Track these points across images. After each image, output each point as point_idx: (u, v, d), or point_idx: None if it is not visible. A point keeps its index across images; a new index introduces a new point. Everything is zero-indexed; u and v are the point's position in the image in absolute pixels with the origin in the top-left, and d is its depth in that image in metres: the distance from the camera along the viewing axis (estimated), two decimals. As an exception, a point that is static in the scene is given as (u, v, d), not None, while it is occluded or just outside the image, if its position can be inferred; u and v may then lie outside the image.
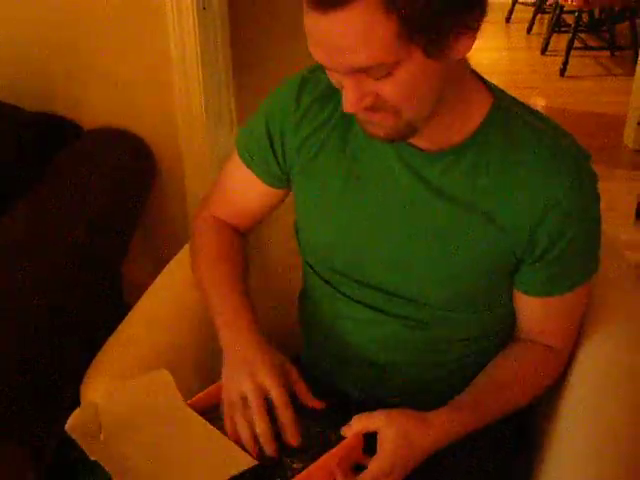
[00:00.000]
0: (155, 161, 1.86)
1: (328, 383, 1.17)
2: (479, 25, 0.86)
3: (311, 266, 1.18)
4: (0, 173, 1.53)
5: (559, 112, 3.70)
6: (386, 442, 0.96)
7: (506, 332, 1.13)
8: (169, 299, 1.26)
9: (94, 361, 1.17)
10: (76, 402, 1.15)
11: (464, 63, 0.95)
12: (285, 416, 0.98)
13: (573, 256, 1.00)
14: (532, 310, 1.06)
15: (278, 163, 1.13)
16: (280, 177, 1.15)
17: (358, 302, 1.11)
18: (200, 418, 1.02)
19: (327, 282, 1.14)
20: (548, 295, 1.03)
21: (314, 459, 0.96)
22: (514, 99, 1.04)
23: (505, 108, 1.00)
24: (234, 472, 0.94)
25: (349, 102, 0.88)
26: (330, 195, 1.07)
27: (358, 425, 0.99)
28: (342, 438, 0.99)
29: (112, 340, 1.20)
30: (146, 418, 1.02)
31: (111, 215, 1.60)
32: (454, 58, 0.88)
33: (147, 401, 1.04)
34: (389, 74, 0.85)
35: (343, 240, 1.09)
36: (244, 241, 1.25)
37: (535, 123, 0.99)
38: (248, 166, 1.17)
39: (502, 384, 1.06)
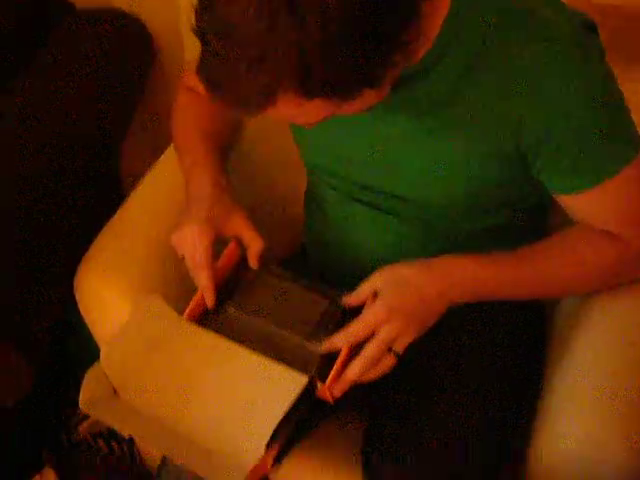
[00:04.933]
0: (154, 45, 1.74)
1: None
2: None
3: (312, 169, 1.12)
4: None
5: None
6: (382, 289, 0.91)
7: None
8: (165, 189, 1.19)
9: (87, 253, 1.12)
10: (68, 297, 1.11)
11: None
12: (201, 277, 0.96)
13: (586, 145, 0.90)
14: (576, 208, 0.97)
15: None
16: None
17: (366, 205, 1.06)
18: (213, 334, 0.96)
19: (331, 186, 1.09)
20: (578, 190, 0.94)
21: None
22: None
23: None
24: (292, 397, 0.88)
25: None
26: None
27: (357, 294, 0.95)
28: (345, 312, 0.95)
29: (105, 232, 1.14)
30: (157, 353, 0.95)
31: (110, 96, 1.52)
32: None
33: (150, 335, 0.96)
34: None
35: (337, 148, 1.02)
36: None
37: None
38: None
39: (542, 253, 0.98)
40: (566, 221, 1.00)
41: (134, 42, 1.71)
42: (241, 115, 1.15)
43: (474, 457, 0.96)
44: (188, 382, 0.93)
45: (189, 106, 1.18)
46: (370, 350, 0.90)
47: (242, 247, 1.03)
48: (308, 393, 0.91)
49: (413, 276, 0.93)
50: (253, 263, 1.02)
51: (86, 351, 1.06)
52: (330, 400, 0.92)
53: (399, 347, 0.92)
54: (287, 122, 0.91)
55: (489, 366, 1.04)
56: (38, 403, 1.29)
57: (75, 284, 1.10)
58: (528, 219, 1.07)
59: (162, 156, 1.26)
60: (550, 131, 0.88)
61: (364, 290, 0.94)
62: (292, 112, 0.79)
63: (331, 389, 0.91)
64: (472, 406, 0.99)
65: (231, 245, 1.03)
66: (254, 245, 1.01)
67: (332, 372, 0.90)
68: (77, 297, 1.11)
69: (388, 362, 0.92)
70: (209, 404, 0.91)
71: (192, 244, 0.98)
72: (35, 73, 1.45)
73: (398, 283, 0.92)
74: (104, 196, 1.44)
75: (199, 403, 0.91)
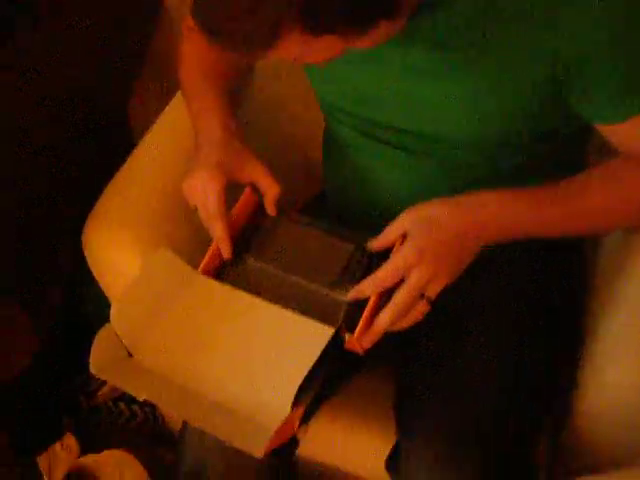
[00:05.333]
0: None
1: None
2: None
3: (326, 108, 1.05)
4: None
5: None
6: (411, 230, 0.84)
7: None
8: (173, 137, 1.12)
9: (94, 209, 1.06)
10: (77, 255, 1.05)
11: None
12: (216, 227, 0.90)
13: (633, 67, 0.81)
14: (622, 136, 0.88)
15: None
16: None
17: (385, 143, 0.98)
18: (229, 287, 0.90)
19: (347, 126, 1.02)
20: (627, 116, 0.85)
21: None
22: None
23: None
24: (318, 350, 0.81)
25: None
26: None
27: (384, 236, 0.88)
28: (372, 257, 0.88)
29: (112, 185, 1.08)
30: (170, 310, 0.89)
31: (115, 51, 1.44)
32: None
33: (162, 290, 0.90)
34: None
35: (349, 83, 0.95)
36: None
37: None
38: None
39: (585, 185, 0.88)
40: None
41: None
42: (244, 59, 1.07)
43: (509, 405, 0.90)
44: (205, 339, 0.87)
45: (194, 50, 1.11)
46: (401, 297, 0.83)
47: (258, 194, 0.96)
48: (335, 345, 0.84)
49: (444, 215, 0.85)
50: (270, 210, 0.95)
51: (102, 312, 1.01)
52: (360, 351, 0.86)
53: (432, 292, 0.84)
54: (294, 63, 0.83)
55: (519, 312, 0.97)
56: (54, 369, 1.24)
57: (83, 242, 1.04)
58: (561, 154, 0.99)
59: (170, 103, 1.18)
60: (590, 58, 0.80)
61: (391, 232, 0.87)
62: (298, 51, 0.72)
63: (360, 340, 0.84)
64: (505, 353, 0.93)
65: (246, 192, 0.96)
66: (271, 191, 0.94)
67: (361, 322, 0.84)
68: (86, 255, 1.05)
69: (421, 309, 0.85)
70: (228, 362, 0.84)
71: (203, 192, 0.91)
72: (34, 24, 1.39)
73: (428, 223, 0.85)
74: (114, 148, 1.38)
75: (217, 361, 0.85)
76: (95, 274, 1.06)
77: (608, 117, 0.85)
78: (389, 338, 0.86)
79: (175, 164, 1.08)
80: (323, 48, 0.74)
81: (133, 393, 0.81)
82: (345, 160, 1.05)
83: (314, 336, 0.82)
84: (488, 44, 0.83)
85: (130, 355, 0.86)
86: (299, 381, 0.78)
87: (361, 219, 1.03)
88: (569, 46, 0.80)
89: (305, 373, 0.79)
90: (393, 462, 0.93)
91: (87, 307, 1.19)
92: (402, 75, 0.90)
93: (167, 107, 1.18)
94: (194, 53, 1.10)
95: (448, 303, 0.88)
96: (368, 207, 1.03)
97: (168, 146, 1.12)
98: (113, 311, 0.86)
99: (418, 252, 0.82)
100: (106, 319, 0.86)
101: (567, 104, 0.86)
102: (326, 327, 0.83)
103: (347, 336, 0.84)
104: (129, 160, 1.10)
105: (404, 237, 0.86)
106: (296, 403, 0.79)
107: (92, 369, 0.81)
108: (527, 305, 0.98)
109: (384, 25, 0.73)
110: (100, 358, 0.83)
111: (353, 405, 1.00)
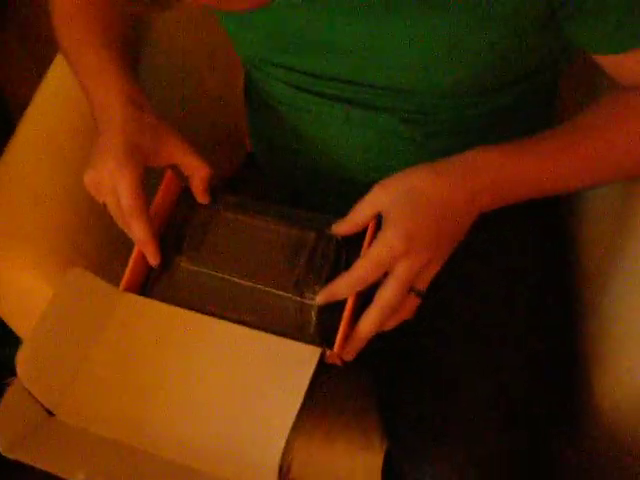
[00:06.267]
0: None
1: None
2: None
3: (250, 62, 0.86)
4: None
5: None
6: (390, 209, 0.67)
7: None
8: (61, 115, 0.89)
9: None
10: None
11: None
12: (135, 229, 0.71)
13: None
14: (627, 67, 0.72)
15: None
16: None
17: (333, 99, 0.80)
18: (165, 305, 0.71)
19: (281, 81, 0.83)
20: (626, 49, 0.70)
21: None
22: None
23: None
24: (304, 381, 0.63)
25: None
26: None
27: (354, 218, 0.70)
28: (339, 245, 0.71)
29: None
30: (95, 344, 0.69)
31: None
32: None
33: (80, 321, 0.69)
34: None
35: (283, 26, 0.75)
36: None
37: None
38: None
39: (589, 128, 0.72)
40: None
41: None
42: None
43: (514, 406, 0.76)
44: (148, 378, 0.67)
45: (73, 5, 0.88)
46: (387, 295, 0.66)
47: (182, 178, 0.77)
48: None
49: (429, 185, 0.68)
50: (201, 197, 0.76)
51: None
52: (340, 364, 0.70)
53: (422, 284, 0.68)
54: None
55: (507, 294, 0.82)
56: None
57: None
58: (529, 105, 0.84)
59: (48, 72, 0.94)
60: None
61: (363, 211, 0.69)
62: None
63: (341, 354, 0.68)
64: (502, 350, 0.78)
65: (166, 177, 0.76)
66: (198, 172, 0.75)
67: (340, 331, 0.67)
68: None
69: (410, 305, 0.69)
70: (185, 407, 0.66)
71: (112, 185, 0.71)
72: None
73: (410, 198, 0.67)
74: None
75: (171, 407, 0.66)
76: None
77: (615, 46, 0.69)
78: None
79: (68, 149, 0.86)
80: None
81: (66, 475, 0.61)
82: (280, 123, 0.86)
83: (295, 362, 0.64)
84: None
85: (51, 414, 0.66)
86: (287, 432, 0.61)
87: (312, 197, 0.85)
88: None
89: (293, 418, 0.61)
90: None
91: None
92: (352, 12, 0.71)
93: (46, 75, 0.94)
94: (75, 8, 0.86)
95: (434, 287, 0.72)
96: (318, 180, 0.86)
97: (56, 126, 0.89)
98: (19, 360, 0.65)
99: (404, 238, 0.65)
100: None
101: (561, 34, 0.70)
102: (310, 347, 0.66)
103: (327, 351, 0.67)
104: (7, 151, 0.87)
105: (379, 217, 0.69)
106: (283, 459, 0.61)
107: (1, 450, 0.61)
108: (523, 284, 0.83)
109: None
110: (9, 430, 0.62)
111: (334, 414, 0.83)
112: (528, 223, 0.87)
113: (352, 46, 0.73)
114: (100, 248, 0.80)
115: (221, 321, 0.69)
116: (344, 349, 0.67)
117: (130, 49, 0.86)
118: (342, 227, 0.71)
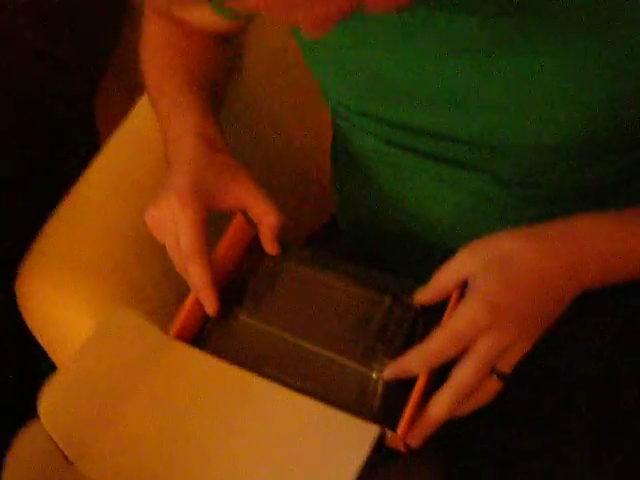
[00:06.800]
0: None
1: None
2: None
3: (337, 109, 0.79)
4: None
5: None
6: (477, 276, 0.59)
7: None
8: (136, 152, 0.86)
9: (32, 247, 0.79)
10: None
11: None
12: (192, 273, 0.65)
13: None
14: None
15: None
16: None
17: (424, 155, 0.73)
18: (218, 361, 0.64)
19: (368, 133, 0.76)
20: None
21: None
22: None
23: None
24: (358, 461, 0.56)
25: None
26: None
27: (436, 285, 0.62)
28: (417, 314, 0.63)
29: (57, 216, 0.81)
30: (132, 396, 0.62)
31: (77, 51, 1.20)
32: None
33: (119, 368, 0.64)
34: None
35: (371, 72, 0.69)
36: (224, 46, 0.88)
37: None
38: None
39: None
40: None
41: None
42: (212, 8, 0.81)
43: None
44: (185, 437, 0.60)
45: (161, 36, 0.86)
46: (464, 375, 0.58)
47: (252, 224, 0.71)
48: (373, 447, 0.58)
49: (523, 251, 0.59)
50: (270, 246, 0.70)
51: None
52: (403, 450, 0.60)
53: (507, 366, 0.59)
54: (283, 24, 0.57)
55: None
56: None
57: (17, 292, 0.78)
58: None
59: (136, 106, 0.92)
60: None
61: (447, 277, 0.62)
62: None
63: (405, 438, 0.59)
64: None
65: (235, 221, 0.71)
66: (268, 220, 0.69)
67: (406, 413, 0.58)
68: (21, 310, 0.78)
69: (490, 389, 0.60)
70: (220, 472, 0.58)
71: (173, 225, 0.66)
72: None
73: (501, 266, 0.59)
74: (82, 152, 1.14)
75: (205, 470, 0.58)
76: (34, 332, 0.79)
77: None
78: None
79: (139, 185, 0.82)
80: None
81: None
82: (367, 180, 0.79)
83: (349, 439, 0.56)
84: (578, 5, 0.57)
85: (69, 462, 0.59)
86: None
87: (393, 259, 0.77)
88: None
89: None
90: None
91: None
92: (450, 60, 0.64)
93: (133, 110, 0.92)
94: (161, 39, 0.84)
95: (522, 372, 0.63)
96: (402, 242, 0.78)
97: (131, 162, 0.85)
98: (43, 401, 0.60)
99: (490, 309, 0.57)
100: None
101: None
102: (368, 425, 0.57)
103: (388, 433, 0.59)
104: (80, 182, 0.84)
105: (464, 285, 0.61)
106: None
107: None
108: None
109: None
110: (21, 473, 0.55)
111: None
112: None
113: (433, 93, 0.66)
114: (156, 291, 0.74)
115: (276, 386, 0.61)
116: (409, 433, 0.58)
117: (214, 89, 0.83)
118: (424, 295, 0.63)
